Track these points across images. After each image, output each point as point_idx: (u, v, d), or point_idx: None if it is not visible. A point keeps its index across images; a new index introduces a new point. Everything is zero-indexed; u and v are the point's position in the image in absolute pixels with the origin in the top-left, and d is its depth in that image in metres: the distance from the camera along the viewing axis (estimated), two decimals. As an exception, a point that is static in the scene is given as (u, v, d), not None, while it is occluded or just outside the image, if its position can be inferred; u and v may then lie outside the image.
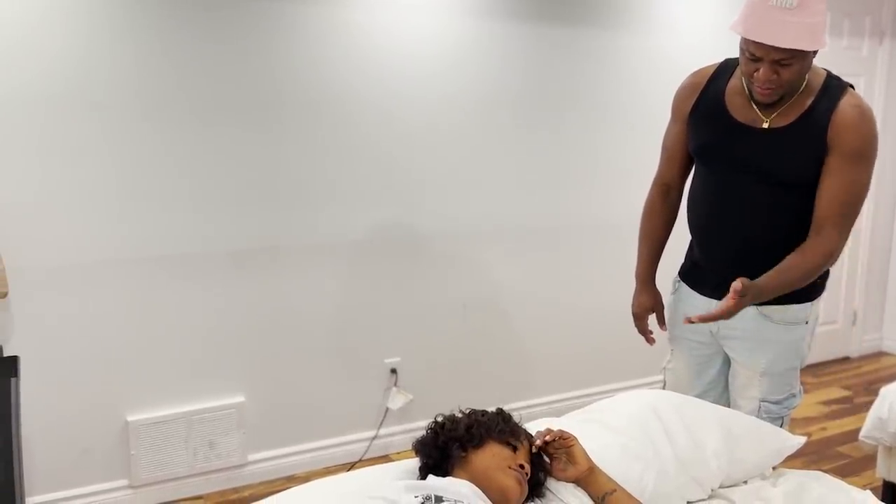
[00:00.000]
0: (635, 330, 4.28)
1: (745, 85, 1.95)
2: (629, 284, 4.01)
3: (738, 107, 1.98)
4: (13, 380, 2.36)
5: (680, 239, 2.33)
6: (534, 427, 1.83)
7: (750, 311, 1.98)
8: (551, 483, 1.63)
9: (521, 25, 3.46)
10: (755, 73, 1.82)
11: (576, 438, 1.63)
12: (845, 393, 4.31)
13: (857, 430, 2.95)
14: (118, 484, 2.96)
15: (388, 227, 3.33)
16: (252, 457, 3.19)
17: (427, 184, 3.39)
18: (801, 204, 1.94)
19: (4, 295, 2.61)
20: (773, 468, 1.97)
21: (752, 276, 1.87)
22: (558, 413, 2.18)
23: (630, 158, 3.91)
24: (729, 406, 2.16)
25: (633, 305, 2.32)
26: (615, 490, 1.58)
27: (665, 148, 2.21)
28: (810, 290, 2.01)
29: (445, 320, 3.47)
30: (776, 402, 2.08)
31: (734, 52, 4.26)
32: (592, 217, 3.85)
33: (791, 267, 1.89)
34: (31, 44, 2.62)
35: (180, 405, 3.03)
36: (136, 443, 2.95)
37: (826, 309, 4.79)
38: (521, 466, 1.54)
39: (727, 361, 2.20)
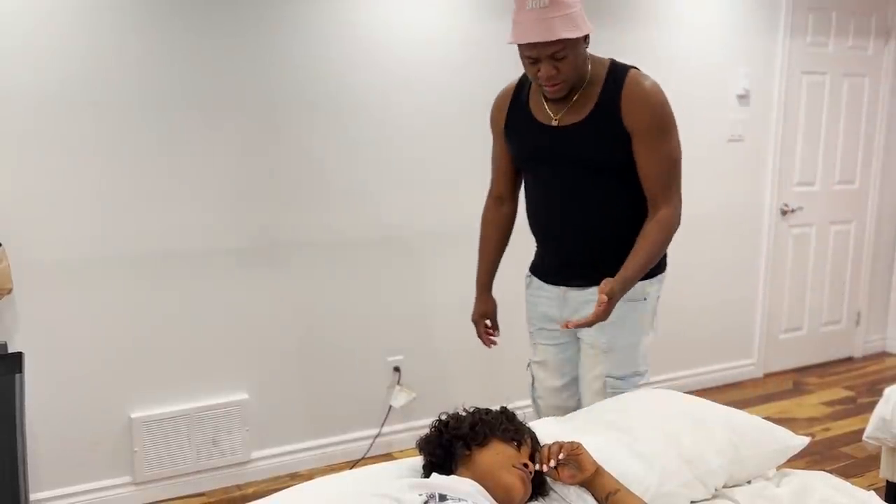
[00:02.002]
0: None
1: (538, 88, 2.07)
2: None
3: (538, 109, 2.12)
4: (18, 376, 2.37)
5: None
6: (538, 426, 1.84)
7: (592, 292, 2.12)
8: (555, 483, 1.62)
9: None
10: (538, 74, 1.96)
11: (582, 445, 1.63)
12: (849, 393, 4.30)
13: (861, 431, 2.94)
14: (122, 480, 2.97)
15: (392, 225, 3.34)
16: (255, 454, 3.20)
17: (431, 181, 3.39)
18: (619, 185, 2.09)
19: (9, 291, 2.62)
20: (777, 468, 1.97)
21: (591, 259, 2.12)
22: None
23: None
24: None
25: (473, 314, 2.46)
26: (619, 490, 1.58)
27: (493, 161, 2.35)
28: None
29: (449, 318, 3.47)
30: (621, 378, 2.18)
31: (736, 52, 4.23)
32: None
33: (643, 248, 2.02)
34: (36, 41, 2.63)
35: (184, 402, 3.03)
36: (139, 439, 2.95)
37: (830, 309, 4.80)
38: (526, 465, 1.54)
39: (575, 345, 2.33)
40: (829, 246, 4.73)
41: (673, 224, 2.07)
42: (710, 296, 4.32)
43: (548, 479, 1.63)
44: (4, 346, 2.54)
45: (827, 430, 3.78)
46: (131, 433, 2.95)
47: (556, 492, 1.62)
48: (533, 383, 2.42)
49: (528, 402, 2.52)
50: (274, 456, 3.24)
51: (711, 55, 4.06)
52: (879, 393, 2.93)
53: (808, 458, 3.34)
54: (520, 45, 1.94)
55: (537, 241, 2.31)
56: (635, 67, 2.07)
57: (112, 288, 2.86)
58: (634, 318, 2.17)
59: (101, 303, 2.85)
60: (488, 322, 2.45)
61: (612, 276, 1.98)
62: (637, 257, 2.01)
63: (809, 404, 4.15)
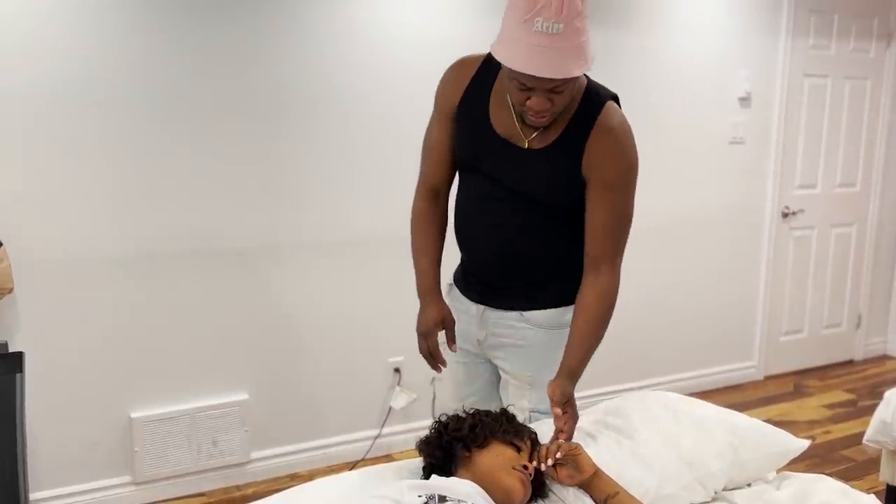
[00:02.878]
0: (637, 331, 4.30)
1: (510, 103, 1.77)
2: (634, 285, 4.02)
3: (501, 120, 1.81)
4: (18, 375, 2.38)
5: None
6: (538, 428, 1.83)
7: (513, 316, 1.95)
8: (554, 485, 1.62)
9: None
10: (528, 103, 1.67)
11: (581, 446, 1.62)
12: (849, 396, 4.30)
13: (861, 434, 2.94)
14: (122, 480, 2.97)
15: (392, 225, 3.33)
16: (255, 454, 3.20)
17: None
18: (562, 222, 1.87)
19: (10, 291, 2.62)
20: (777, 471, 1.97)
21: (520, 287, 1.92)
22: (562, 414, 2.17)
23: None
24: None
25: (419, 324, 1.99)
26: (618, 493, 1.57)
27: (430, 147, 1.97)
28: (570, 293, 1.89)
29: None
30: (545, 413, 1.91)
31: (737, 54, 4.22)
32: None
33: (590, 333, 1.83)
34: (38, 41, 2.63)
35: (184, 402, 3.03)
36: (139, 439, 2.95)
37: (831, 312, 4.80)
38: (525, 467, 1.54)
39: (496, 371, 2.08)
40: (830, 248, 4.73)
41: (615, 297, 1.86)
42: (710, 298, 4.32)
43: (547, 480, 1.63)
44: (5, 345, 2.54)
45: (827, 432, 3.78)
46: (131, 433, 2.95)
47: (554, 493, 1.61)
48: (434, 401, 2.19)
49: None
50: (274, 456, 3.24)
51: (713, 57, 4.06)
52: (880, 396, 2.93)
53: (809, 461, 3.34)
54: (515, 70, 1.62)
55: (463, 252, 2.02)
56: (611, 98, 1.82)
57: (113, 288, 2.86)
58: (558, 349, 1.86)
59: (102, 303, 2.85)
60: (440, 337, 2.00)
61: (524, 302, 1.89)
62: (584, 344, 1.80)
63: (810, 407, 4.15)
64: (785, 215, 4.48)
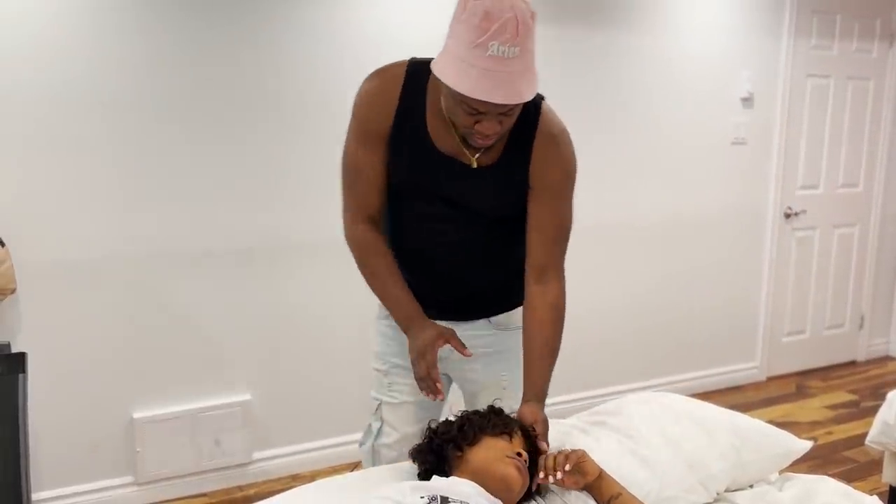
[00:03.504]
0: (639, 332, 4.29)
1: (451, 123, 1.67)
2: (636, 285, 4.02)
3: (442, 138, 1.71)
4: (21, 376, 2.38)
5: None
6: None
7: (481, 324, 1.91)
8: (557, 486, 1.62)
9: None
10: (476, 127, 1.57)
11: (586, 452, 1.62)
12: (852, 397, 4.30)
13: (864, 435, 2.93)
14: (124, 480, 2.97)
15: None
16: (257, 455, 3.20)
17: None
18: (512, 228, 1.82)
19: (12, 291, 2.62)
20: (780, 472, 1.96)
21: (474, 299, 1.87)
22: (564, 414, 2.17)
23: (639, 156, 3.92)
24: None
25: (412, 349, 1.75)
26: (620, 494, 1.57)
27: (358, 172, 1.79)
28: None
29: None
30: (514, 412, 1.81)
31: (739, 55, 4.20)
32: (599, 219, 3.85)
33: (551, 349, 1.79)
34: (40, 42, 2.63)
35: (186, 403, 3.04)
36: (141, 440, 2.95)
37: (833, 313, 4.79)
38: (519, 454, 1.54)
39: (447, 386, 2.00)
40: (832, 249, 4.72)
41: (565, 304, 1.83)
42: (713, 298, 4.31)
43: (550, 484, 1.62)
44: (8, 345, 2.54)
45: (829, 433, 3.77)
46: (133, 433, 2.95)
47: (555, 493, 1.61)
48: (380, 429, 1.99)
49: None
50: (276, 457, 3.24)
51: (715, 58, 4.06)
52: (883, 397, 2.93)
53: (811, 462, 3.34)
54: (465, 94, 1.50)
55: (414, 277, 1.86)
56: (542, 98, 1.76)
57: (115, 288, 2.86)
58: (520, 347, 1.83)
59: (104, 303, 2.85)
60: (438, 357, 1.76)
61: (491, 308, 1.87)
62: (546, 361, 1.76)
63: (812, 408, 4.14)
64: (787, 216, 4.48)
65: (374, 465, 1.98)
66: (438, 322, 1.82)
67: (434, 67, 1.56)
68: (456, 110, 1.57)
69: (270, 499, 1.62)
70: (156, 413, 2.98)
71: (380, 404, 2.01)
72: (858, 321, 4.93)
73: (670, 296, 4.16)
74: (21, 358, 2.47)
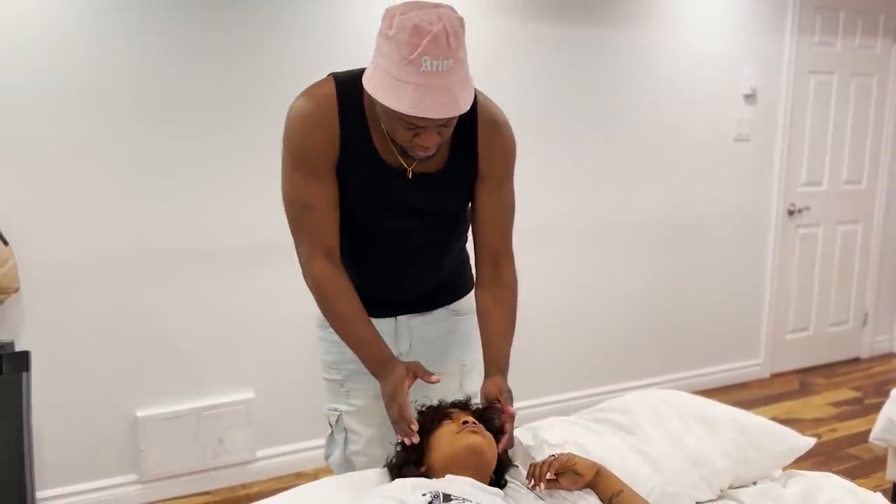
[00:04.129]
0: (643, 329, 4.28)
1: (389, 138, 1.64)
2: (639, 282, 4.02)
3: (388, 150, 1.67)
4: (25, 374, 2.38)
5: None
6: (543, 427, 1.83)
7: (441, 314, 1.92)
8: (552, 500, 1.60)
9: (527, 24, 3.47)
10: (416, 140, 1.54)
11: (573, 455, 1.62)
12: (855, 394, 4.29)
13: (867, 432, 2.93)
14: (128, 479, 2.98)
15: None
16: (261, 453, 3.20)
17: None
18: (463, 218, 1.85)
19: (16, 290, 2.63)
20: (783, 469, 1.96)
21: (435, 289, 1.86)
22: (567, 412, 2.17)
23: (641, 153, 3.92)
24: None
25: (385, 395, 1.66)
26: (622, 491, 1.57)
27: (306, 205, 1.71)
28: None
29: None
30: (476, 394, 1.85)
31: (742, 51, 4.18)
32: (602, 216, 3.84)
33: (509, 329, 1.80)
34: (44, 43, 2.64)
35: (189, 401, 3.04)
36: (145, 438, 2.96)
37: (837, 310, 4.78)
38: (466, 422, 1.55)
39: None
40: (836, 246, 4.71)
41: (517, 282, 1.83)
42: (716, 296, 4.31)
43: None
44: (11, 344, 2.55)
45: (833, 430, 3.77)
46: (137, 432, 2.95)
47: (560, 494, 1.61)
48: (346, 438, 1.93)
49: (531, 402, 2.49)
50: (279, 455, 3.24)
51: (718, 54, 4.05)
52: (886, 394, 2.92)
53: (814, 460, 3.33)
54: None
55: (367, 285, 1.81)
56: (477, 91, 1.69)
57: (118, 287, 2.87)
58: (476, 329, 1.85)
59: (108, 302, 2.86)
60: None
61: (448, 297, 1.89)
62: (507, 337, 1.78)
63: (816, 405, 4.14)
64: (790, 213, 4.47)
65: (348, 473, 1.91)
66: (401, 317, 1.86)
67: (367, 85, 1.51)
68: (394, 126, 1.54)
69: (273, 497, 1.62)
70: (159, 411, 2.98)
71: (340, 415, 1.94)
72: (862, 318, 4.92)
73: (673, 293, 4.16)
74: (25, 356, 2.48)
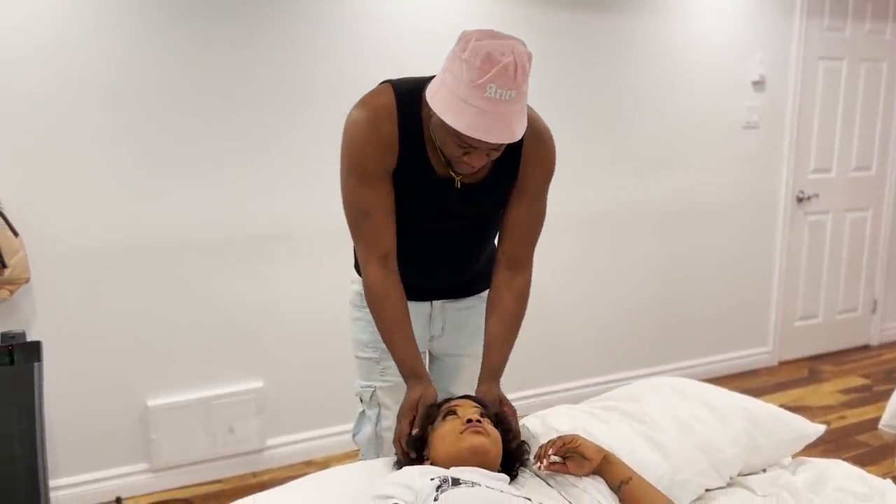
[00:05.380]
0: (651, 317, 4.27)
1: (439, 149, 1.70)
2: (648, 270, 4.01)
3: (436, 160, 1.74)
4: (36, 364, 2.39)
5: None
6: (551, 415, 1.84)
7: (472, 301, 2.00)
8: (561, 487, 1.60)
9: (534, 11, 3.45)
10: (465, 158, 1.61)
11: (579, 436, 1.62)
12: (864, 381, 4.28)
13: (877, 419, 2.93)
14: (139, 468, 3.00)
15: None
16: (271, 441, 3.22)
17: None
18: (496, 220, 1.92)
19: (27, 280, 2.64)
20: (793, 456, 1.96)
21: (464, 281, 1.95)
22: (576, 400, 2.18)
23: (650, 141, 3.90)
24: None
25: (399, 411, 1.74)
26: (631, 478, 1.57)
27: (364, 212, 1.77)
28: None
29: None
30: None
31: (751, 37, 4.15)
32: (610, 204, 3.84)
33: (512, 334, 1.85)
34: (52, 35, 2.64)
35: (200, 390, 3.05)
36: (156, 427, 2.98)
37: (846, 297, 4.77)
38: (469, 421, 1.54)
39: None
40: (845, 233, 4.69)
41: (529, 295, 1.89)
42: (724, 283, 4.30)
43: (560, 476, 1.61)
44: (23, 334, 2.56)
45: (842, 418, 3.76)
46: (148, 421, 2.97)
47: (570, 483, 1.60)
48: (379, 414, 2.01)
49: (542, 390, 2.49)
50: (290, 443, 3.26)
51: (726, 40, 4.03)
52: (895, 381, 2.92)
53: (823, 447, 3.33)
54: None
55: (412, 271, 1.88)
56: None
57: (129, 277, 2.88)
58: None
59: (118, 292, 2.87)
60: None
61: (480, 286, 1.95)
62: (506, 345, 1.82)
63: (825, 392, 4.13)
64: (800, 200, 4.45)
65: (376, 450, 2.01)
66: (436, 302, 1.96)
67: (430, 101, 1.57)
68: (447, 140, 1.59)
69: (281, 487, 1.63)
70: (170, 401, 3.00)
71: (374, 391, 2.01)
72: (871, 305, 4.91)
73: (682, 280, 4.15)
74: (36, 346, 2.49)
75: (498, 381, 1.79)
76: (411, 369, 1.77)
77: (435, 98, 1.56)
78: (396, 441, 1.67)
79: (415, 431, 1.63)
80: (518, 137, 1.56)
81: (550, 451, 1.58)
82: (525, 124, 1.59)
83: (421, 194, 1.77)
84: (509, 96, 1.49)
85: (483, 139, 1.51)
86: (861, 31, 4.43)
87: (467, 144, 1.56)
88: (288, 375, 3.22)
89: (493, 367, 1.79)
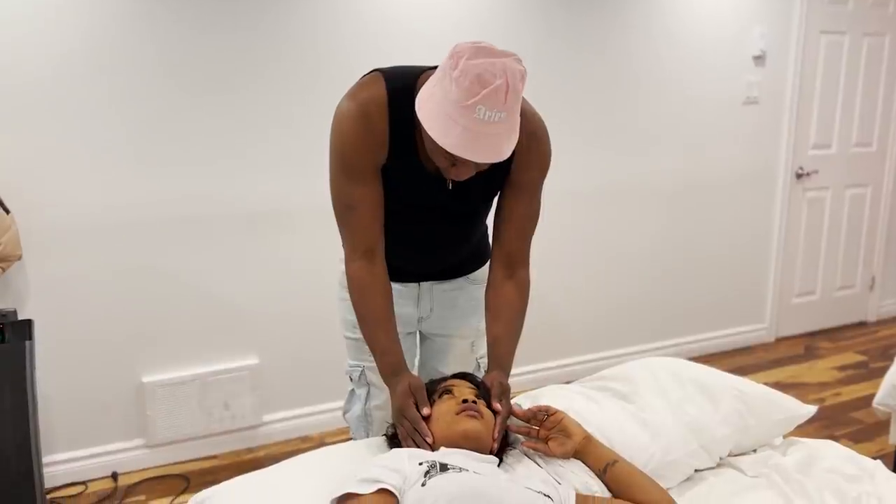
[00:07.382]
0: (648, 293, 4.28)
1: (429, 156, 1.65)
2: (645, 246, 4.00)
3: (426, 157, 1.69)
4: (28, 342, 2.39)
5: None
6: (542, 395, 1.83)
7: (460, 282, 2.00)
8: (549, 467, 1.58)
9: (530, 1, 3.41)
10: (452, 170, 1.58)
11: (563, 412, 1.62)
12: (861, 358, 4.28)
13: (872, 396, 2.93)
14: (135, 443, 3.01)
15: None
16: (266, 417, 3.23)
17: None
18: (484, 209, 1.92)
19: (19, 257, 2.63)
20: (784, 436, 1.96)
21: (450, 264, 1.95)
22: (571, 376, 2.17)
23: (649, 116, 3.87)
24: None
25: (394, 410, 1.65)
26: (616, 461, 1.56)
27: (351, 207, 1.75)
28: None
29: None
30: (484, 356, 1.96)
31: (751, 11, 4.10)
32: (608, 178, 3.81)
33: (516, 329, 1.83)
34: (46, 9, 2.60)
35: (195, 367, 3.06)
36: (151, 403, 2.99)
37: (844, 274, 4.76)
38: (465, 401, 1.54)
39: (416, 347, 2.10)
40: (844, 210, 4.67)
41: (529, 288, 1.87)
42: (722, 259, 4.29)
43: (542, 455, 1.61)
44: (14, 313, 2.56)
45: (838, 394, 3.77)
46: (143, 397, 2.98)
47: (555, 461, 1.59)
48: (368, 392, 2.01)
49: (535, 367, 2.49)
50: (285, 419, 3.27)
51: (726, 14, 3.98)
52: (891, 358, 2.92)
53: (818, 424, 3.34)
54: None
55: (397, 256, 1.86)
56: (523, 99, 1.67)
57: (122, 254, 2.87)
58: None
59: (112, 269, 2.86)
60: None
61: (467, 268, 1.95)
62: (512, 339, 1.81)
63: (821, 369, 4.13)
64: (799, 176, 4.43)
65: (366, 428, 2.01)
66: (424, 283, 1.96)
67: (418, 110, 1.53)
68: (435, 149, 1.54)
69: (272, 467, 1.63)
70: (165, 377, 3.00)
71: (363, 370, 2.00)
72: (869, 282, 4.90)
73: (679, 256, 4.14)
74: (28, 325, 2.49)
75: (507, 373, 1.75)
76: (391, 366, 1.72)
77: (423, 109, 1.52)
78: (408, 438, 1.57)
79: (425, 411, 1.57)
80: (506, 156, 1.51)
81: (531, 408, 1.60)
82: (516, 140, 1.53)
83: (411, 189, 1.76)
84: (498, 118, 1.45)
85: (469, 158, 1.47)
86: (864, 4, 4.37)
87: (454, 158, 1.53)
88: (283, 352, 3.22)
89: (500, 360, 1.77)
